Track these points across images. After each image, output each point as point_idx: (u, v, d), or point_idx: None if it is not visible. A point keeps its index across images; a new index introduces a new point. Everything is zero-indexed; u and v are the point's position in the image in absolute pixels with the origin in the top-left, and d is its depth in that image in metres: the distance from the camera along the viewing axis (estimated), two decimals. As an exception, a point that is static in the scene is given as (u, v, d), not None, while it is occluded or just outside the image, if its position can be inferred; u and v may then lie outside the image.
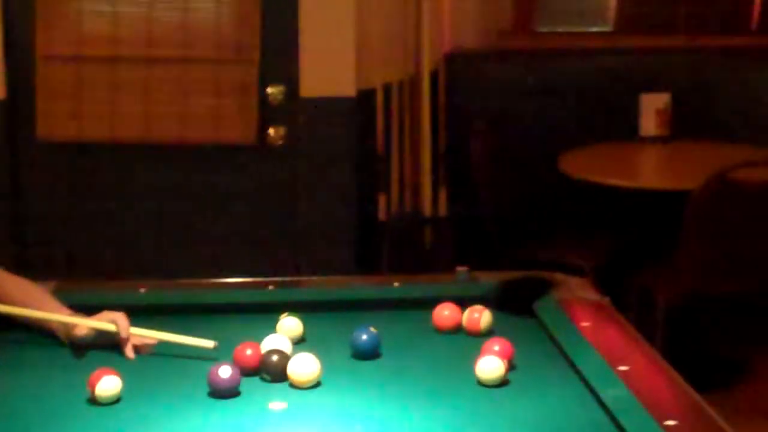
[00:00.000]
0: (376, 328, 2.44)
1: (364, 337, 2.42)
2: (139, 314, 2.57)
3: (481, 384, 2.25)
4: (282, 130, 4.40)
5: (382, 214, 4.47)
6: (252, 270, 3.27)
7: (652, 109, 4.87)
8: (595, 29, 5.35)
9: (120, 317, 2.47)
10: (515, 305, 2.64)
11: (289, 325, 2.51)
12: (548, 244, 4.60)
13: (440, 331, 2.56)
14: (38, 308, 2.50)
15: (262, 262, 4.39)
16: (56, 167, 4.44)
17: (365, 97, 4.44)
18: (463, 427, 2.10)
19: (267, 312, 2.61)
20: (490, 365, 2.26)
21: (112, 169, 4.45)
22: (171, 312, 2.63)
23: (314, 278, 3.10)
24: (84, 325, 2.45)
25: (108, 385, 2.17)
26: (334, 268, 4.28)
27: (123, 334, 2.44)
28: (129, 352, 2.44)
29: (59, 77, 4.33)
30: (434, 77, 4.56)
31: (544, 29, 5.30)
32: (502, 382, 2.25)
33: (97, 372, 2.18)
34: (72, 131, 4.36)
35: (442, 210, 4.51)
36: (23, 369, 2.38)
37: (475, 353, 2.32)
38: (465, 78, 4.84)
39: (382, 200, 4.47)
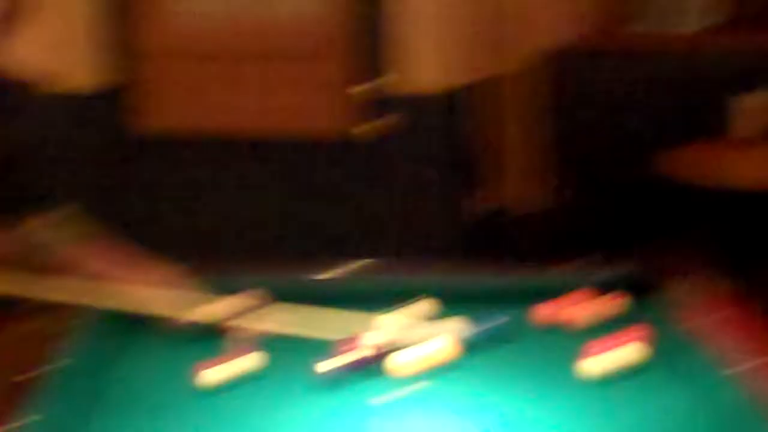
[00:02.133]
0: (475, 320, 2.43)
1: (476, 328, 2.41)
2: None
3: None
4: (373, 127, 4.40)
5: (480, 209, 4.43)
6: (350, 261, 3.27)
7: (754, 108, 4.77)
8: (693, 27, 5.26)
9: None
10: (636, 294, 2.62)
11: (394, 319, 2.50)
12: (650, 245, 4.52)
13: (552, 323, 2.54)
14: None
15: (357, 255, 4.38)
16: (164, 162, 4.48)
17: (462, 91, 4.42)
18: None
19: (370, 303, 2.60)
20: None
21: (197, 164, 4.48)
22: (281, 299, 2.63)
23: (414, 269, 3.07)
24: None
25: (215, 373, 2.19)
26: (429, 262, 4.25)
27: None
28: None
29: (168, 72, 4.38)
30: (538, 70, 4.50)
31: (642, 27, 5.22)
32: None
33: (207, 361, 2.21)
34: (181, 125, 4.41)
35: (547, 203, 4.45)
36: (132, 354, 2.41)
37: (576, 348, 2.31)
38: (569, 73, 4.79)
39: (476, 196, 4.44)
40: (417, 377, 2.26)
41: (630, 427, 2.07)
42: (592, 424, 2.08)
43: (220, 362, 2.21)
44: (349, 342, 2.32)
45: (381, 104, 4.40)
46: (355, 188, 4.47)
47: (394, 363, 2.26)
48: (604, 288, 2.60)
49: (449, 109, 4.40)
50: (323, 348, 2.32)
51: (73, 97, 4.37)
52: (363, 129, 4.39)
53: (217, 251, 4.43)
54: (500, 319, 2.44)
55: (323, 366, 2.25)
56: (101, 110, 4.39)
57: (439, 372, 2.27)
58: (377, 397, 2.18)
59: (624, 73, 4.81)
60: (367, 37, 4.37)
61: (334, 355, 2.28)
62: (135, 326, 2.49)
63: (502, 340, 2.42)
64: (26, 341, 2.39)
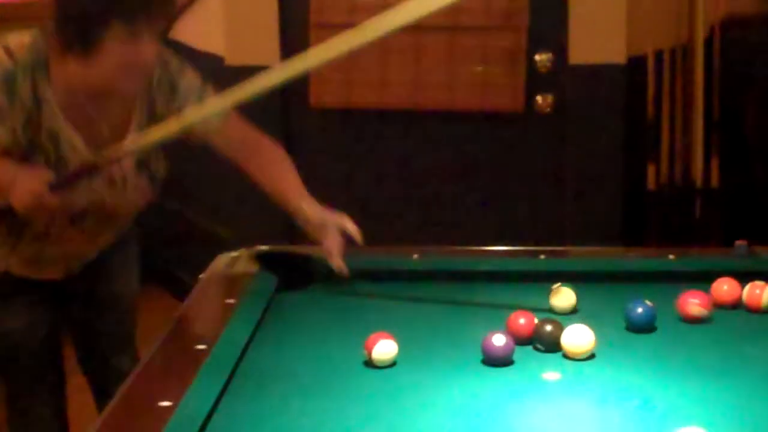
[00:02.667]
0: (651, 301, 2.39)
1: (640, 309, 2.37)
2: (413, 279, 2.62)
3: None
4: (550, 98, 4.36)
5: (651, 184, 4.36)
6: (518, 237, 3.26)
7: None
8: None
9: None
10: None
11: (564, 295, 2.48)
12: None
13: (719, 306, 2.48)
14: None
15: (528, 231, 4.38)
16: (327, 133, 4.54)
17: (636, 63, 4.34)
18: (742, 407, 2.02)
19: (538, 281, 2.60)
20: None
21: (380, 136, 4.52)
22: (443, 278, 2.65)
23: (586, 248, 3.05)
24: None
25: (384, 349, 2.20)
26: (600, 238, 4.21)
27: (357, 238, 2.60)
28: (340, 262, 2.58)
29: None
30: (708, 43, 4.40)
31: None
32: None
33: (373, 336, 2.22)
34: (342, 98, 4.45)
35: (714, 181, 4.36)
36: (303, 330, 2.44)
37: (756, 330, 2.25)
38: (741, 44, 4.65)
39: (651, 170, 4.36)
40: (585, 358, 2.23)
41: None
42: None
43: (388, 338, 2.21)
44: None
45: (561, 75, 4.34)
46: (534, 159, 4.43)
47: (569, 343, 2.23)
48: (757, 275, 2.52)
49: (629, 80, 4.32)
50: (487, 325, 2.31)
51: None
52: (543, 101, 4.35)
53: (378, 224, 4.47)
54: (646, 305, 2.38)
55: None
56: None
57: (600, 352, 2.24)
58: (548, 373, 2.16)
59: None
60: (548, 7, 4.31)
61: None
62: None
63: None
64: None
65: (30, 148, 2.62)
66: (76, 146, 2.64)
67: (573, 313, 2.45)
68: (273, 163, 2.81)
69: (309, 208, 2.67)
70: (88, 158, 2.62)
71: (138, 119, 2.69)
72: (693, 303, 2.39)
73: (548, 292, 2.49)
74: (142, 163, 2.74)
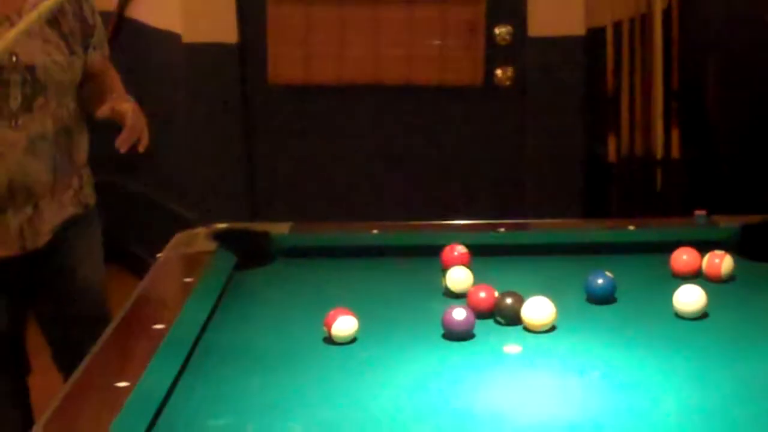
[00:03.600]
0: (611, 272, 2.39)
1: (600, 281, 2.37)
2: (372, 255, 2.61)
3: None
4: (510, 71, 4.35)
5: (611, 156, 4.37)
6: (478, 211, 3.26)
7: None
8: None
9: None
10: (760, 251, 2.54)
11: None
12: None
13: (678, 276, 2.48)
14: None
15: (488, 204, 4.37)
16: (285, 110, 4.51)
17: (595, 35, 4.34)
18: (702, 377, 2.03)
19: (498, 254, 2.60)
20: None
21: (340, 111, 4.49)
22: (403, 253, 2.64)
23: (545, 221, 3.05)
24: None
25: (344, 325, 2.19)
26: (562, 210, 4.21)
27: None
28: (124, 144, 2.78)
29: (289, 20, 4.38)
30: (667, 14, 4.40)
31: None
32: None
33: (333, 312, 2.20)
34: (301, 74, 4.41)
35: (675, 152, 4.36)
36: (262, 307, 2.43)
37: (716, 300, 2.25)
38: (699, 14, 4.66)
39: (611, 141, 4.36)
40: (546, 330, 2.22)
41: None
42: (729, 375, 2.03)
43: (347, 314, 2.20)
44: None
45: (521, 48, 4.33)
46: (494, 132, 4.42)
47: (529, 316, 2.22)
48: (716, 245, 2.52)
49: (589, 52, 4.31)
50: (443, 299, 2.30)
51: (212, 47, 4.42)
52: (503, 74, 4.33)
53: (339, 199, 4.46)
54: (606, 276, 2.38)
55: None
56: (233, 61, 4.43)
57: (561, 324, 2.24)
58: (509, 346, 2.16)
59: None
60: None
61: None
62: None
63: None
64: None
65: None
66: None
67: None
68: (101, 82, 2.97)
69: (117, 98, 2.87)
70: None
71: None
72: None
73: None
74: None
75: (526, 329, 2.24)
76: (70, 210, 2.89)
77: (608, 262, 2.48)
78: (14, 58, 2.71)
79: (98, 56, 2.93)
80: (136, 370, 1.94)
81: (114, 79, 3.02)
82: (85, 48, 2.87)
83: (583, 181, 4.38)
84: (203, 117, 4.49)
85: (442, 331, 2.21)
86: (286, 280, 2.55)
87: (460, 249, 2.52)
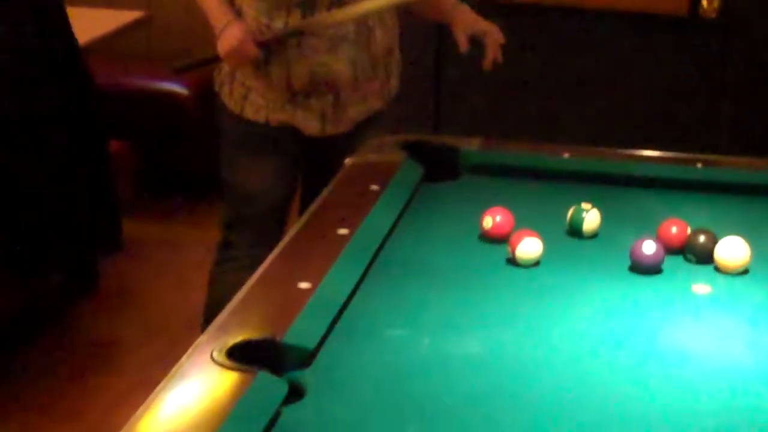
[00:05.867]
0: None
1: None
2: (561, 179, 2.55)
3: None
4: (716, 2, 4.18)
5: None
6: (675, 144, 3.14)
7: None
8: None
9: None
10: None
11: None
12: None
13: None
14: None
15: (686, 137, 4.23)
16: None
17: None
18: None
19: (695, 190, 2.50)
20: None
21: (538, 31, 4.39)
22: (593, 180, 2.57)
23: (744, 159, 2.91)
24: None
25: (529, 247, 2.14)
26: (761, 150, 4.05)
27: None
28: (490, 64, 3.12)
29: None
30: None
31: None
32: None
33: (519, 233, 2.16)
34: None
35: None
36: (446, 222, 2.39)
37: None
38: None
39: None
40: (739, 273, 2.13)
41: None
42: None
43: (533, 236, 2.15)
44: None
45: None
46: (694, 67, 4.27)
47: (722, 256, 2.13)
48: None
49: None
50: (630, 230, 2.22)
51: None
52: (709, 4, 4.17)
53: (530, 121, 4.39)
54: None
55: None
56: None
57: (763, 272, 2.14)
58: (698, 285, 2.08)
59: None
60: None
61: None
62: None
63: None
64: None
65: None
66: None
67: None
68: None
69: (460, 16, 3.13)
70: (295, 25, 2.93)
71: None
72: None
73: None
74: None
75: (718, 270, 2.15)
76: (373, 103, 3.10)
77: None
78: None
79: None
80: (319, 273, 1.93)
81: None
82: None
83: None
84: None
85: (629, 263, 2.14)
86: (472, 196, 2.50)
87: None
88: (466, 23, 3.13)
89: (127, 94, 4.79)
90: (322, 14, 2.94)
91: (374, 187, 2.38)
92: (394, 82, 3.16)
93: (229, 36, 2.92)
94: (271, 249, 2.08)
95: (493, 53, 3.14)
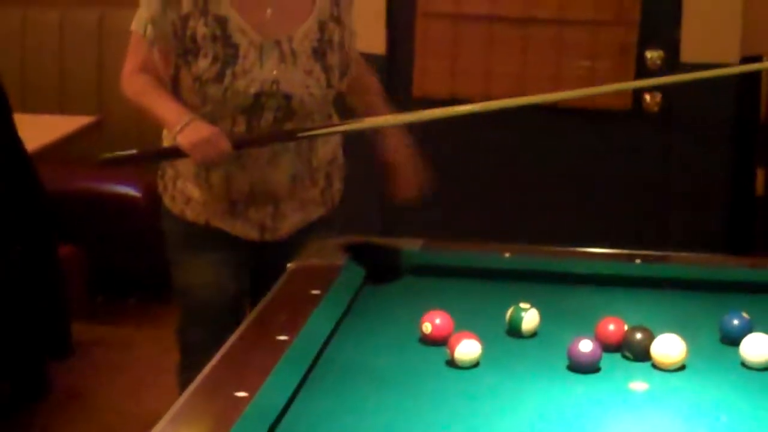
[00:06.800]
0: (748, 313, 2.30)
1: (736, 321, 2.28)
2: (502, 278, 2.57)
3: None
4: (659, 96, 4.26)
5: (759, 189, 4.24)
6: (616, 240, 3.18)
7: None
8: None
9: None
10: None
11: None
12: None
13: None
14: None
15: (627, 232, 4.29)
16: (429, 124, 4.47)
17: (750, 63, 4.21)
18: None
19: (632, 286, 2.53)
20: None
21: (483, 128, 4.45)
22: (534, 279, 2.60)
23: (683, 255, 2.96)
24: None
25: (467, 349, 2.16)
26: (703, 243, 4.10)
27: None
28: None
29: (437, 34, 4.38)
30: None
31: None
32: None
33: (457, 335, 2.18)
34: (446, 89, 4.40)
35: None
36: (387, 325, 2.40)
37: None
38: None
39: (760, 174, 4.24)
40: (675, 369, 2.16)
41: None
42: None
43: (471, 338, 2.16)
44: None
45: (672, 73, 4.24)
46: (638, 159, 4.34)
47: (659, 353, 2.16)
48: None
49: (742, 80, 4.20)
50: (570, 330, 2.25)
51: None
52: (651, 99, 4.25)
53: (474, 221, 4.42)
54: (742, 317, 2.29)
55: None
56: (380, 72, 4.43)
57: (692, 364, 2.17)
58: (636, 383, 2.10)
59: None
60: (661, 2, 4.21)
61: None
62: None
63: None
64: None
65: (193, 48, 2.84)
66: (245, 31, 2.85)
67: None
68: (374, 96, 3.17)
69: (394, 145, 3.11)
70: (283, 130, 2.91)
71: (319, 12, 2.91)
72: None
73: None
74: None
75: (655, 366, 2.17)
76: (313, 210, 3.07)
77: (746, 303, 2.39)
78: (275, 86, 2.88)
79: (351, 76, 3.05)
80: (257, 381, 1.94)
81: (374, 97, 3.16)
82: (342, 77, 2.99)
83: (727, 215, 4.26)
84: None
85: (567, 362, 2.16)
86: (413, 298, 2.53)
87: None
88: (385, 149, 3.12)
89: (79, 198, 4.80)
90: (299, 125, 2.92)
91: (315, 291, 2.39)
92: (337, 186, 3.15)
93: (200, 127, 2.83)
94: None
95: (401, 190, 3.12)
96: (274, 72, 2.87)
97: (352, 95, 3.13)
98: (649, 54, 4.25)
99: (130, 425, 3.83)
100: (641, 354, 2.19)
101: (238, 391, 1.90)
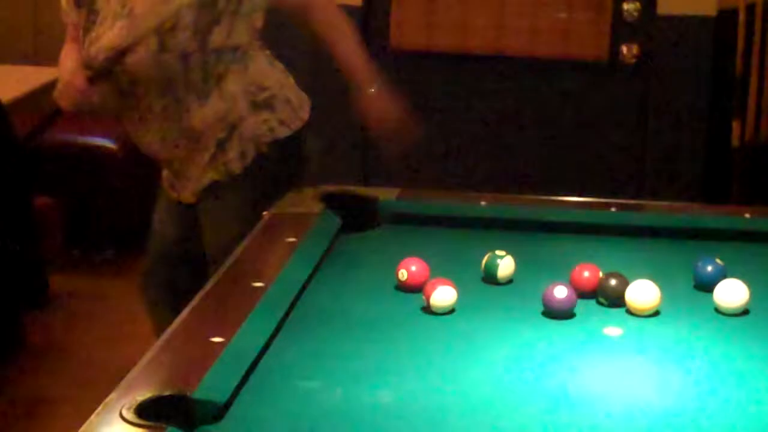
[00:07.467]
0: (722, 260, 2.32)
1: (710, 268, 2.30)
2: (477, 226, 2.58)
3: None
4: (635, 48, 4.27)
5: (735, 141, 4.25)
6: (592, 189, 3.21)
7: None
8: None
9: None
10: None
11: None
12: None
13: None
14: None
15: (604, 182, 4.30)
16: (405, 76, 4.47)
17: (726, 16, 4.22)
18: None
19: (607, 234, 2.54)
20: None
21: (461, 80, 4.46)
22: (509, 227, 2.60)
23: (658, 203, 2.98)
24: None
25: (443, 295, 2.16)
26: (679, 192, 4.13)
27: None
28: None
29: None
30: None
31: None
32: None
33: (433, 281, 2.18)
34: (423, 41, 4.39)
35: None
36: (363, 273, 2.41)
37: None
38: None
39: (736, 126, 4.25)
40: (649, 315, 2.17)
41: None
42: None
43: (447, 284, 2.17)
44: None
45: (648, 25, 4.24)
46: (615, 110, 4.35)
47: (633, 299, 2.17)
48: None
49: (718, 33, 4.20)
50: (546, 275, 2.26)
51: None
52: (628, 50, 4.25)
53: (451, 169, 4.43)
54: (716, 263, 2.30)
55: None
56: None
57: (666, 310, 2.18)
58: (610, 328, 2.11)
59: None
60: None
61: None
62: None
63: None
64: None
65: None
66: None
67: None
68: (341, 34, 3.05)
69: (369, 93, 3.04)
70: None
71: None
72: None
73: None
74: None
75: (629, 312, 2.19)
76: (203, 174, 2.98)
77: (720, 250, 2.41)
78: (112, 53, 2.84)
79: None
80: (232, 327, 1.94)
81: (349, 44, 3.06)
82: (199, 34, 2.86)
83: (703, 166, 4.28)
84: (323, 79, 4.49)
85: (542, 309, 2.17)
86: (389, 246, 2.53)
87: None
88: (361, 109, 3.07)
89: (54, 150, 4.77)
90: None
91: (291, 239, 2.39)
92: (232, 155, 2.95)
93: (62, 70, 2.90)
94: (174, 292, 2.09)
95: (374, 122, 3.10)
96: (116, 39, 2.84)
97: (323, 42, 3.05)
98: (626, 6, 4.25)
99: (106, 373, 3.83)
100: (616, 300, 2.21)
101: (214, 336, 1.91)
